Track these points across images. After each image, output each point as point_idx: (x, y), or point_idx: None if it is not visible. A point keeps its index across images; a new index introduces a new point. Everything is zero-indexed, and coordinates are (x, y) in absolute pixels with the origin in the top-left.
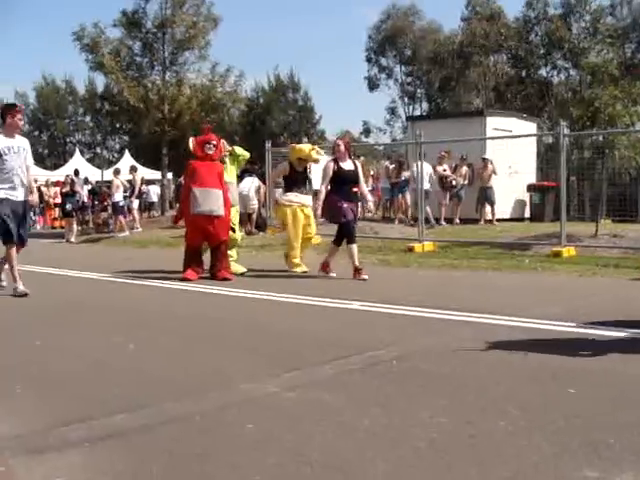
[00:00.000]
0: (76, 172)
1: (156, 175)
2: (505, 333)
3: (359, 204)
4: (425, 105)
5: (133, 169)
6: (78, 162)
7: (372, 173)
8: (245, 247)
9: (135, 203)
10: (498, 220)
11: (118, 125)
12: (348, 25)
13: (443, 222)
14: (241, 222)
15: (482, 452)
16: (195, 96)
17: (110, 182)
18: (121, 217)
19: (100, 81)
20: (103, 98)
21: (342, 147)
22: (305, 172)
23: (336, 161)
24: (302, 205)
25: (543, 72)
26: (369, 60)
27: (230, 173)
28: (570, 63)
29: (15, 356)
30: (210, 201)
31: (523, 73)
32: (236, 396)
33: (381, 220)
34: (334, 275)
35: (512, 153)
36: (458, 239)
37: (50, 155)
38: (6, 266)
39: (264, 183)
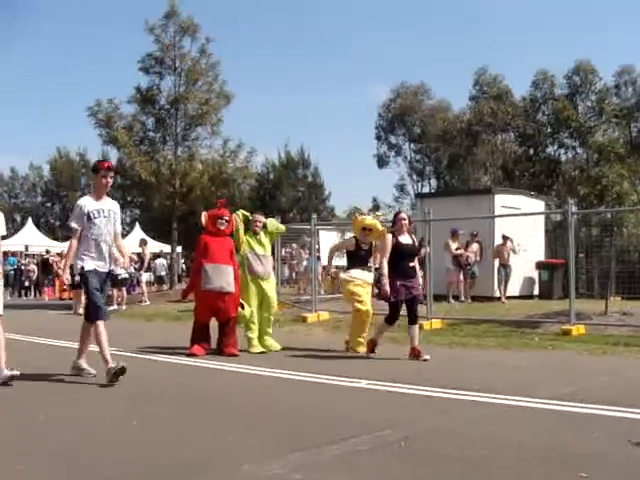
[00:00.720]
0: None
1: (166, 248)
2: (515, 414)
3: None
4: (434, 182)
5: (143, 242)
6: None
7: None
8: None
9: (144, 276)
10: (507, 298)
11: (129, 198)
12: (359, 102)
13: (452, 300)
14: None
15: None
16: (206, 171)
17: None
18: (123, 290)
19: (113, 155)
20: (115, 172)
21: (407, 221)
22: (370, 249)
23: (394, 235)
24: (365, 283)
25: (550, 150)
26: (379, 138)
27: (265, 246)
28: (577, 142)
29: (18, 431)
30: (221, 277)
31: (531, 151)
32: (240, 477)
33: None
34: (373, 355)
35: (520, 230)
36: (467, 317)
37: (62, 226)
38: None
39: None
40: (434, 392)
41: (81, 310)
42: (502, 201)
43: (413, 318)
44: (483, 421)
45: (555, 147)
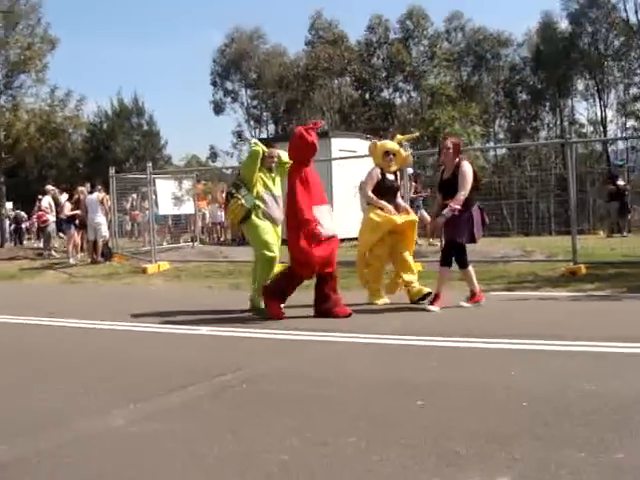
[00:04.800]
0: None
1: None
2: (353, 350)
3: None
4: (272, 128)
5: None
6: None
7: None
8: (91, 277)
9: None
10: (346, 240)
11: None
12: (193, 48)
13: None
14: (82, 249)
15: (334, 471)
16: (33, 121)
17: None
18: None
19: None
20: None
21: (451, 150)
22: (395, 181)
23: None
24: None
25: (386, 94)
26: (214, 84)
27: (278, 187)
28: (411, 85)
29: None
30: (331, 220)
31: (367, 95)
32: (77, 433)
33: (231, 243)
34: (436, 310)
35: (357, 173)
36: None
37: None
38: None
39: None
40: (275, 334)
41: None
42: (339, 144)
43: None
44: (324, 359)
45: (390, 91)
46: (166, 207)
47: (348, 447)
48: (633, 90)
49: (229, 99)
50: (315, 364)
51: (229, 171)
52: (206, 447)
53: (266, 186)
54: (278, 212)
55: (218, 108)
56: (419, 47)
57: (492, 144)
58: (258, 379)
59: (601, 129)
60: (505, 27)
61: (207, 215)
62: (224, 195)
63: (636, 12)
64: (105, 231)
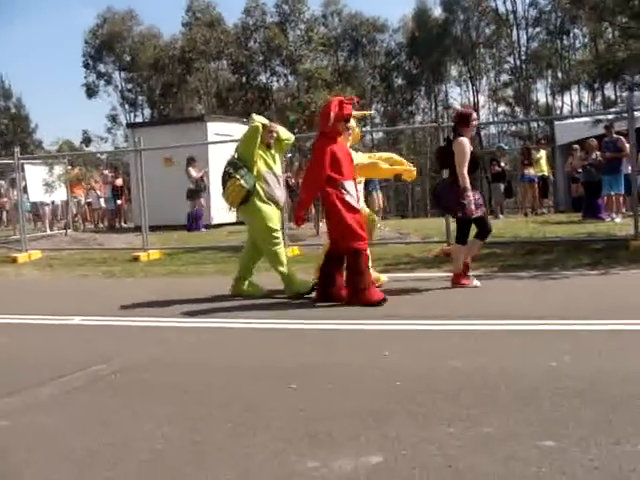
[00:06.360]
0: None
1: None
2: (227, 336)
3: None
4: (148, 112)
5: None
6: None
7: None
8: None
9: None
10: (226, 224)
11: None
12: (62, 27)
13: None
14: None
15: (207, 457)
16: None
17: None
18: None
19: None
20: None
21: (476, 121)
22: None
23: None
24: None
25: (263, 78)
26: (87, 66)
27: (278, 164)
28: (288, 69)
29: None
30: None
31: (244, 79)
32: None
33: (107, 230)
34: (479, 284)
35: None
36: (184, 245)
37: None
38: None
39: None
40: (150, 322)
41: None
42: (215, 128)
43: (486, 234)
44: (198, 346)
45: (267, 75)
46: (37, 194)
47: (221, 433)
48: (503, 77)
49: (102, 82)
50: (189, 351)
51: (104, 156)
52: (76, 439)
53: (267, 164)
54: (280, 192)
55: (91, 91)
56: (296, 31)
57: (369, 128)
58: (131, 368)
59: None
60: (381, 13)
61: (82, 202)
62: (100, 183)
63: (504, 2)
64: None
